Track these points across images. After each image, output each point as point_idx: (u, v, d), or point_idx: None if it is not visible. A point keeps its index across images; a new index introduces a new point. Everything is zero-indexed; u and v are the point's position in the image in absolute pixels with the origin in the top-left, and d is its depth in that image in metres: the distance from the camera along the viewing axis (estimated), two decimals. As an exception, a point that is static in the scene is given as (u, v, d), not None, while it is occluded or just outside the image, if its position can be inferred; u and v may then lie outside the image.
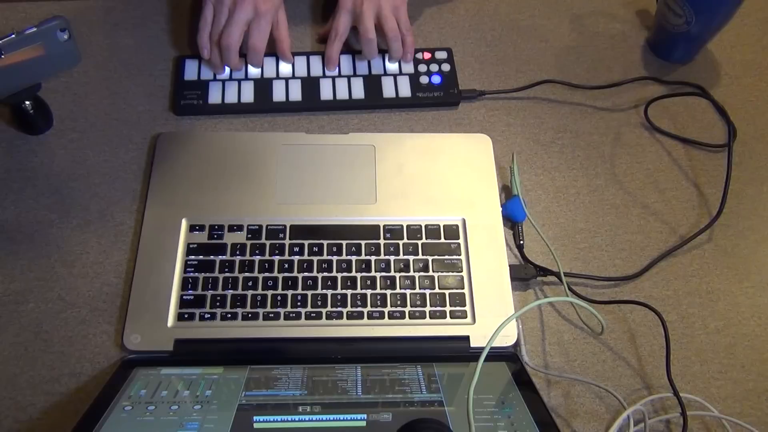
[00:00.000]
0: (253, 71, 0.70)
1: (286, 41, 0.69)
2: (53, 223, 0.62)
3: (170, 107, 0.69)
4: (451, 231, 0.61)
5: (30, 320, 0.57)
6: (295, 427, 0.45)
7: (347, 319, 0.57)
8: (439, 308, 0.58)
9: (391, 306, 0.57)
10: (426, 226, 0.62)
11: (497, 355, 0.56)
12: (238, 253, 0.59)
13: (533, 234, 0.64)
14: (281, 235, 0.60)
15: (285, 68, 0.71)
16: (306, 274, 0.58)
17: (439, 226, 0.62)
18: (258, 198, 0.62)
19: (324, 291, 0.58)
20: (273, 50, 0.70)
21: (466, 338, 0.56)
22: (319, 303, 0.57)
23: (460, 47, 0.75)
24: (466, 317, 0.57)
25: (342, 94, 0.70)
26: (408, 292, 0.58)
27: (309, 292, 0.58)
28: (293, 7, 0.77)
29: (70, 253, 0.60)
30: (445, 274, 0.59)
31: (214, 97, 0.69)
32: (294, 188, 0.63)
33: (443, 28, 0.77)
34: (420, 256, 0.60)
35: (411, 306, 0.58)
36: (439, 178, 0.64)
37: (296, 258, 0.59)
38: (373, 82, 0.71)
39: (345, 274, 0.59)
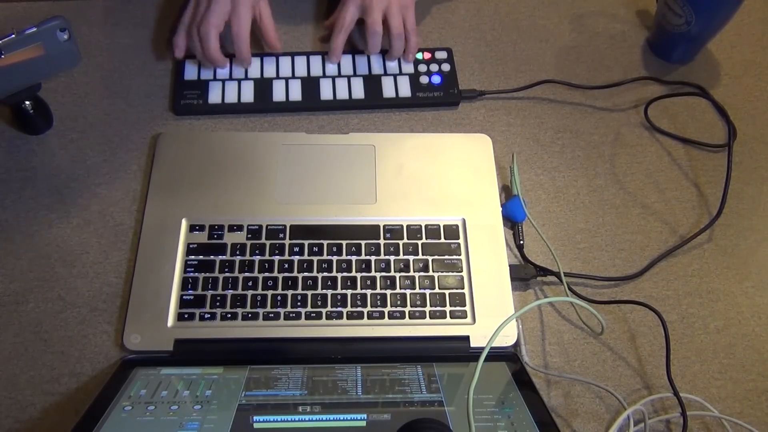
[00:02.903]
0: (253, 71, 0.70)
1: (271, 30, 0.69)
2: (53, 223, 0.62)
3: (170, 107, 0.69)
4: (451, 231, 0.61)
5: (30, 320, 0.57)
6: (295, 427, 0.45)
7: (347, 319, 0.57)
8: (439, 308, 0.58)
9: (391, 306, 0.57)
10: (426, 226, 0.62)
11: (497, 355, 0.56)
12: (238, 253, 0.59)
13: (533, 234, 0.64)
14: (281, 235, 0.60)
15: (285, 68, 0.71)
16: (306, 274, 0.58)
17: (439, 226, 0.62)
18: (258, 198, 0.62)
19: (324, 291, 0.58)
20: (262, 50, 0.70)
21: (466, 338, 0.56)
22: (319, 303, 0.57)
23: (460, 47, 0.75)
24: (466, 317, 0.57)
25: (342, 94, 0.70)
26: (408, 292, 0.58)
27: (309, 292, 0.58)
28: (293, 6, 0.77)
29: (70, 253, 0.60)
30: (445, 274, 0.59)
31: (214, 96, 0.69)
32: (294, 188, 0.63)
33: (443, 28, 0.77)
34: (420, 256, 0.60)
35: (411, 306, 0.58)
36: (439, 178, 0.64)
37: (296, 258, 0.59)
38: (373, 82, 0.71)
39: (345, 274, 0.59)
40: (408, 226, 0.61)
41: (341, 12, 0.69)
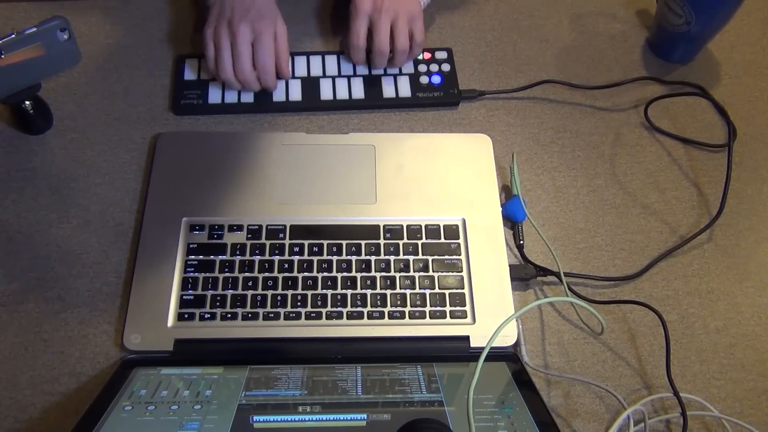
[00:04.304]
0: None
1: (284, 56, 0.67)
2: (53, 223, 0.62)
3: (170, 107, 0.69)
4: (451, 231, 0.61)
5: (30, 320, 0.57)
6: (295, 427, 0.45)
7: (347, 319, 0.57)
8: (439, 308, 0.58)
9: (391, 306, 0.57)
10: (426, 226, 0.62)
11: (497, 355, 0.56)
12: (238, 253, 0.59)
13: (533, 234, 0.64)
14: (281, 235, 0.60)
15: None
16: (306, 274, 0.58)
17: (439, 226, 0.62)
18: (258, 198, 0.62)
19: (324, 291, 0.58)
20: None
21: (466, 338, 0.56)
22: (319, 303, 0.57)
23: (460, 47, 0.75)
24: (466, 317, 0.57)
25: (342, 94, 0.70)
26: (408, 292, 0.58)
27: (309, 292, 0.58)
28: (293, 6, 0.77)
29: (70, 253, 0.60)
30: (445, 274, 0.59)
31: (214, 96, 0.69)
32: (294, 188, 0.63)
33: (443, 28, 0.77)
34: (420, 256, 0.60)
35: (411, 306, 0.58)
36: (439, 178, 0.64)
37: (296, 258, 0.59)
38: (373, 82, 0.71)
39: (345, 274, 0.59)
40: (408, 226, 0.61)
41: (353, 30, 0.68)
